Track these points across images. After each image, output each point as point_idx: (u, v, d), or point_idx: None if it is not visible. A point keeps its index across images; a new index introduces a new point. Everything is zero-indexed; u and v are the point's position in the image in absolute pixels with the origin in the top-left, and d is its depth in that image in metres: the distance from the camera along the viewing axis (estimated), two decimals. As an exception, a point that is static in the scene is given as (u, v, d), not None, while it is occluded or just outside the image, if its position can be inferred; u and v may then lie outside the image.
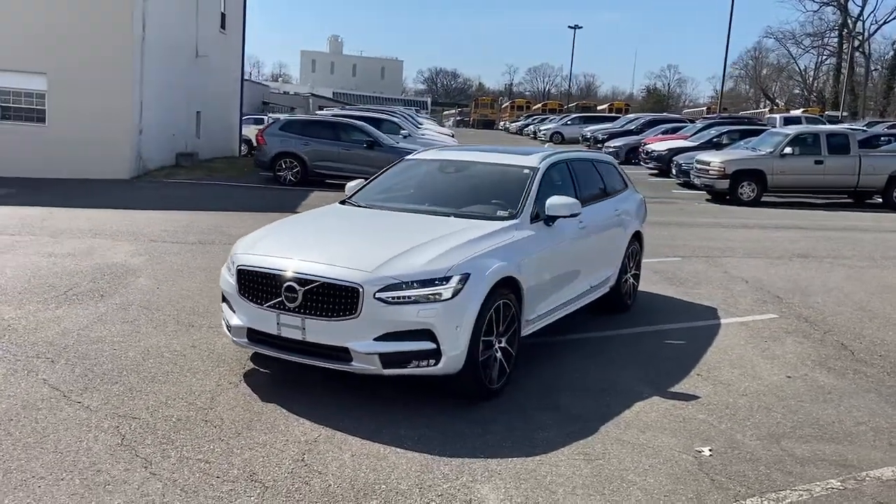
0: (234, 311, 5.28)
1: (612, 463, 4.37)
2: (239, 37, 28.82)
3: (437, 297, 4.80)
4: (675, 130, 29.46)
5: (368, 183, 7.00)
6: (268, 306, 4.98)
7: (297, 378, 5.39)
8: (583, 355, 6.42)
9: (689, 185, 21.65)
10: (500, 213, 5.98)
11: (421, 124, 33.29)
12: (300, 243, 5.35)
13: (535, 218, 6.01)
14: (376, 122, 23.82)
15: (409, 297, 4.75)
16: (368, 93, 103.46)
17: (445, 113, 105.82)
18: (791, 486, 4.19)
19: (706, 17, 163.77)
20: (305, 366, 5.08)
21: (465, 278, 4.90)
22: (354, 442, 4.43)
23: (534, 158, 6.64)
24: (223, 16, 26.68)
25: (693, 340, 7.04)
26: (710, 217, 16.38)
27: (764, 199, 19.19)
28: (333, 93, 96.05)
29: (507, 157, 6.80)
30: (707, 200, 19.51)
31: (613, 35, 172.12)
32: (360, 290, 4.72)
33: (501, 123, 74.78)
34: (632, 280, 8.05)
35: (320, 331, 4.83)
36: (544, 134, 47.47)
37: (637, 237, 8.10)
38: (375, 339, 4.76)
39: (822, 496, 4.10)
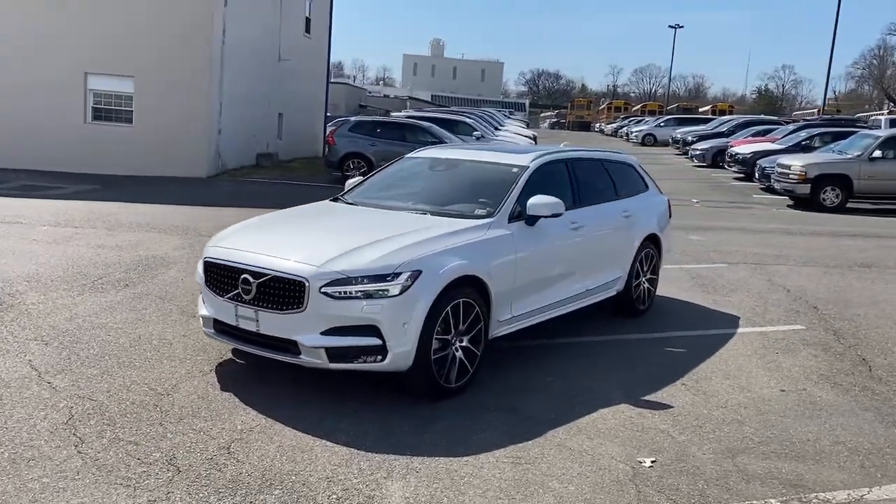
0: (203, 302, 5.47)
1: (539, 468, 4.26)
2: (324, 41, 29.63)
3: (384, 293, 4.81)
4: (767, 133, 28.20)
5: (365, 180, 7.08)
6: (228, 297, 5.13)
7: (265, 370, 5.51)
8: (568, 359, 6.27)
9: (771, 190, 20.70)
10: (478, 211, 5.93)
11: (502, 126, 33.22)
12: (265, 238, 5.48)
13: (515, 217, 5.92)
14: (449, 124, 24.00)
15: (355, 292, 4.79)
16: (467, 95, 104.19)
17: (543, 115, 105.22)
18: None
19: (824, 14, 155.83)
20: (276, 359, 5.18)
21: (415, 275, 4.89)
22: (288, 433, 4.51)
23: (526, 158, 6.54)
24: (308, 21, 27.48)
25: (696, 349, 6.75)
26: (779, 223, 15.61)
27: (850, 205, 18.11)
28: (432, 95, 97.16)
29: (500, 155, 6.73)
30: (789, 206, 18.58)
31: (725, 34, 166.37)
32: (307, 283, 4.79)
33: (597, 125, 73.65)
34: (646, 285, 7.79)
35: (272, 323, 4.94)
36: (636, 136, 46.45)
37: (653, 241, 7.84)
38: (322, 334, 4.82)
39: (752, 515, 3.87)
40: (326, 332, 4.81)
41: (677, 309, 8.27)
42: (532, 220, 5.99)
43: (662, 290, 8.85)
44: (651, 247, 7.82)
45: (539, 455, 4.43)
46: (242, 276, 5.02)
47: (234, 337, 5.22)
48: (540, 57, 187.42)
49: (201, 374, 5.44)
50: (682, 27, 67.38)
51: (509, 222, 5.88)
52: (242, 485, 3.84)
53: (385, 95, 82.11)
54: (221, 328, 5.27)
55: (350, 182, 7.15)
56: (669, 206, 8.50)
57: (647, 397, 5.49)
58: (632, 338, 7.03)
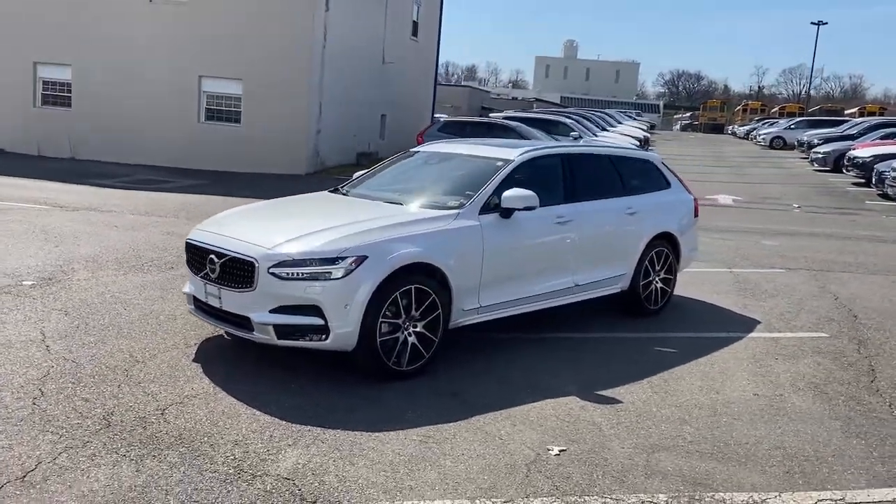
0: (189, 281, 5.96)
1: (442, 447, 4.40)
2: (432, 44, 30.28)
3: (327, 275, 5.09)
4: (897, 136, 26.20)
5: (368, 171, 7.37)
6: (200, 276, 5.58)
7: (244, 347, 5.88)
8: (548, 353, 6.30)
9: (887, 197, 19.33)
10: (451, 202, 6.08)
11: (613, 127, 32.67)
12: (241, 223, 5.89)
13: (489, 209, 6.03)
14: (547, 124, 23.96)
15: (300, 273, 5.10)
16: (599, 97, 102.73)
17: (676, 116, 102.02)
18: (606, 494, 3.97)
19: None
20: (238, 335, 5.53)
21: (360, 260, 5.14)
22: (226, 402, 4.87)
23: (514, 152, 6.62)
24: (415, 24, 28.20)
25: (690, 350, 6.59)
26: (876, 230, 14.59)
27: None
28: (561, 97, 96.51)
29: (492, 150, 6.84)
30: (905, 214, 17.28)
31: (890, 31, 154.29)
32: (256, 264, 5.15)
33: (731, 127, 70.55)
34: (658, 284, 7.64)
35: (231, 300, 5.34)
36: (763, 138, 44.25)
37: (668, 240, 7.68)
38: (271, 311, 5.16)
39: (629, 507, 3.85)
40: (274, 311, 5.15)
41: (698, 310, 8.04)
42: (507, 213, 6.07)
43: (695, 291, 8.66)
44: (665, 246, 7.66)
45: (451, 436, 4.56)
46: (209, 257, 5.45)
47: (206, 313, 5.66)
48: (680, 57, 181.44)
49: (185, 346, 5.92)
50: (825, 24, 63.23)
51: (482, 214, 5.99)
52: (155, 441, 4.23)
53: (513, 98, 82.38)
54: (198, 304, 5.73)
55: (357, 174, 7.47)
56: (696, 205, 8.27)
57: (602, 392, 5.46)
58: (628, 336, 6.94)
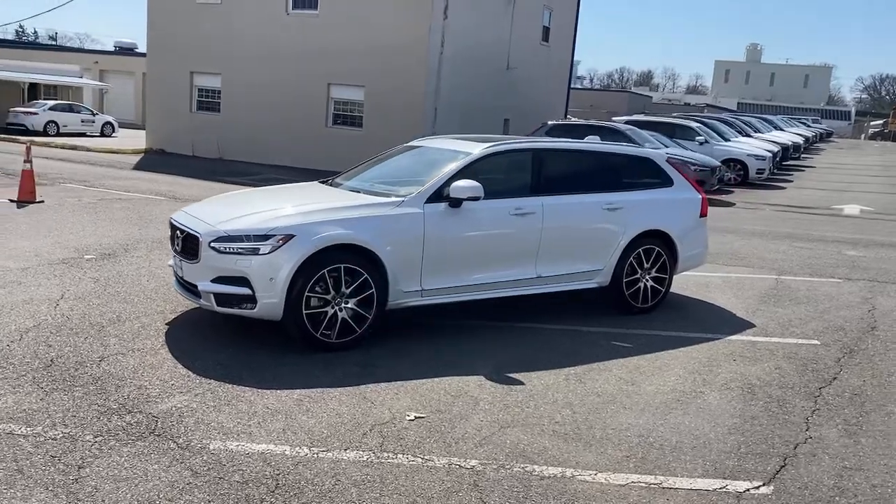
0: (175, 255, 6.81)
1: (301, 405, 4.85)
2: (566, 49, 30.30)
3: (255, 250, 5.71)
4: None
5: (365, 163, 7.92)
6: (172, 249, 6.41)
7: (224, 319, 6.56)
8: (490, 339, 6.55)
9: None
10: (402, 191, 6.50)
11: (759, 133, 31.02)
12: (215, 205, 6.65)
13: (437, 199, 6.39)
14: (672, 128, 23.39)
15: (233, 248, 5.76)
16: (784, 103, 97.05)
17: (871, 123, 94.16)
18: (420, 455, 4.26)
19: None
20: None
21: (287, 238, 5.71)
22: (160, 356, 5.60)
23: (478, 146, 6.92)
24: (546, 30, 28.40)
25: (645, 347, 6.58)
26: None
27: None
28: (738, 103, 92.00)
29: (462, 144, 7.15)
30: None
31: None
32: (200, 239, 5.87)
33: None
34: (649, 283, 7.60)
35: (188, 271, 6.10)
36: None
37: (661, 238, 7.60)
38: (212, 281, 5.86)
39: (428, 466, 4.12)
40: (215, 280, 5.84)
41: (696, 311, 7.90)
42: (455, 203, 6.40)
43: (710, 295, 8.53)
44: (657, 244, 7.59)
45: (328, 398, 5.01)
46: (176, 233, 6.26)
47: (177, 282, 6.47)
48: (885, 60, 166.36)
49: (171, 312, 6.76)
50: None
51: (429, 203, 6.36)
52: (74, 380, 5.02)
53: (686, 104, 79.67)
54: (176, 277, 6.56)
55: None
56: (704, 204, 8.09)
57: (512, 375, 5.66)
58: (591, 330, 7.01)
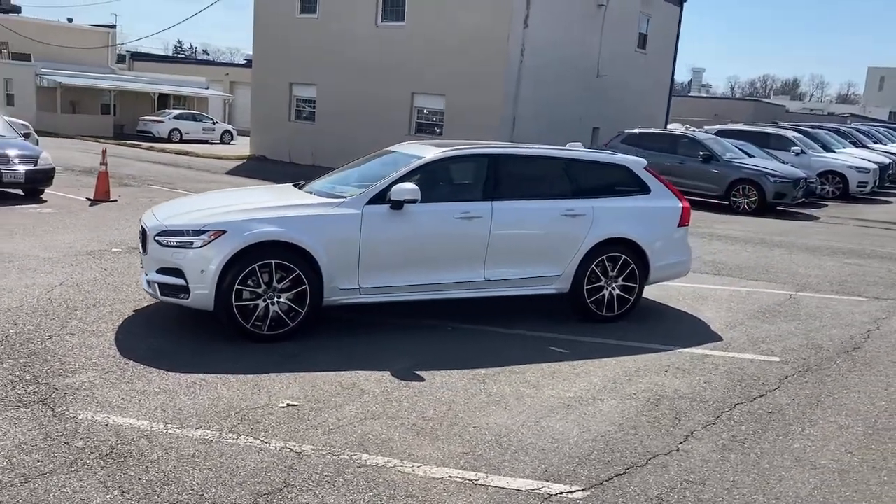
0: (151, 250, 7.41)
1: (192, 388, 5.22)
2: (666, 57, 29.51)
3: (190, 244, 6.18)
4: None
5: (339, 168, 8.26)
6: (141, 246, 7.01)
7: (186, 312, 7.05)
8: (424, 338, 6.71)
9: None
10: (348, 192, 6.80)
11: (876, 144, 28.95)
12: (177, 204, 7.17)
13: (379, 201, 6.64)
14: (767, 138, 22.40)
15: (172, 241, 6.25)
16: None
17: None
18: (266, 438, 4.53)
19: None
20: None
21: (219, 233, 6.15)
22: (105, 339, 6.15)
23: (431, 151, 7.11)
24: (643, 36, 27.81)
25: (582, 353, 6.54)
26: None
27: None
28: (890, 112, 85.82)
29: (421, 149, 7.35)
30: None
31: None
32: (148, 234, 6.41)
33: None
34: (616, 292, 7.50)
35: (145, 262, 6.66)
36: None
37: (628, 246, 7.48)
38: (156, 272, 6.38)
39: (260, 448, 4.38)
40: (158, 272, 6.36)
41: (667, 322, 7.72)
42: (397, 205, 6.63)
43: (706, 308, 8.30)
44: (624, 252, 7.48)
45: (222, 382, 5.35)
46: (140, 228, 6.85)
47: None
48: None
49: (147, 301, 7.36)
50: None
51: (371, 204, 6.62)
52: (10, 353, 5.64)
53: (829, 113, 75.23)
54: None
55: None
56: (685, 213, 7.87)
57: (419, 372, 5.81)
58: (537, 335, 7.01)
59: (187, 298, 6.24)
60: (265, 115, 26.82)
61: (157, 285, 6.36)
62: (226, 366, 5.71)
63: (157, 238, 6.33)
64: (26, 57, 36.07)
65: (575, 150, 7.90)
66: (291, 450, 4.41)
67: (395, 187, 6.59)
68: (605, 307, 7.51)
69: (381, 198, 6.65)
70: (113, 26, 43.24)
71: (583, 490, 4.14)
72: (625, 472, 4.37)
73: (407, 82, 23.28)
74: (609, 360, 6.41)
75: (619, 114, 26.75)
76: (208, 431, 4.57)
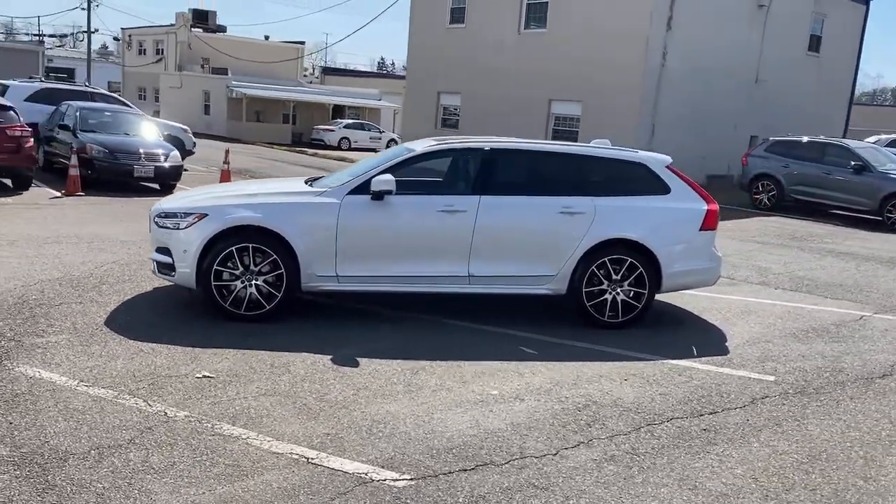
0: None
1: (137, 356, 5.61)
2: (845, 60, 26.92)
3: (177, 226, 6.66)
4: None
5: (355, 163, 8.45)
6: (159, 226, 7.62)
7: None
8: (399, 329, 6.72)
9: None
10: (333, 184, 6.99)
11: None
12: (194, 192, 7.71)
13: (362, 192, 6.76)
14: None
15: (165, 223, 6.75)
16: None
17: None
18: (157, 402, 4.80)
19: None
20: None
21: (201, 217, 6.57)
22: (102, 311, 6.78)
23: (423, 144, 7.13)
24: (816, 38, 25.60)
25: (552, 356, 6.26)
26: None
27: None
28: None
29: (421, 144, 7.36)
30: None
31: None
32: (151, 216, 6.98)
33: None
34: (619, 297, 7.07)
35: (150, 243, 7.25)
36: None
37: (636, 249, 7.02)
38: (155, 251, 6.93)
39: (143, 409, 4.65)
40: (156, 251, 6.90)
41: (674, 333, 7.19)
42: (377, 196, 6.73)
43: (738, 321, 7.68)
44: (630, 255, 7.03)
45: (164, 353, 5.70)
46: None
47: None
48: None
49: (147, 285, 7.95)
50: None
51: (353, 195, 6.76)
52: (18, 311, 6.38)
53: None
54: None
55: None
56: (710, 217, 7.26)
57: (361, 359, 5.84)
58: (516, 334, 6.78)
59: (174, 276, 6.70)
60: (415, 124, 27.72)
61: (155, 263, 6.89)
62: (186, 339, 6.05)
63: (155, 219, 6.86)
64: (223, 71, 39.88)
65: (584, 146, 7.54)
66: (165, 413, 4.63)
67: (374, 178, 6.67)
68: (608, 313, 7.08)
69: (363, 188, 6.75)
70: (302, 42, 46.76)
71: (409, 479, 4.00)
72: (473, 469, 4.16)
73: (545, 88, 23.10)
74: (571, 363, 6.06)
75: (782, 122, 24.74)
76: (108, 391, 4.91)
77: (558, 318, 7.36)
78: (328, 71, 56.15)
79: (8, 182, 13.73)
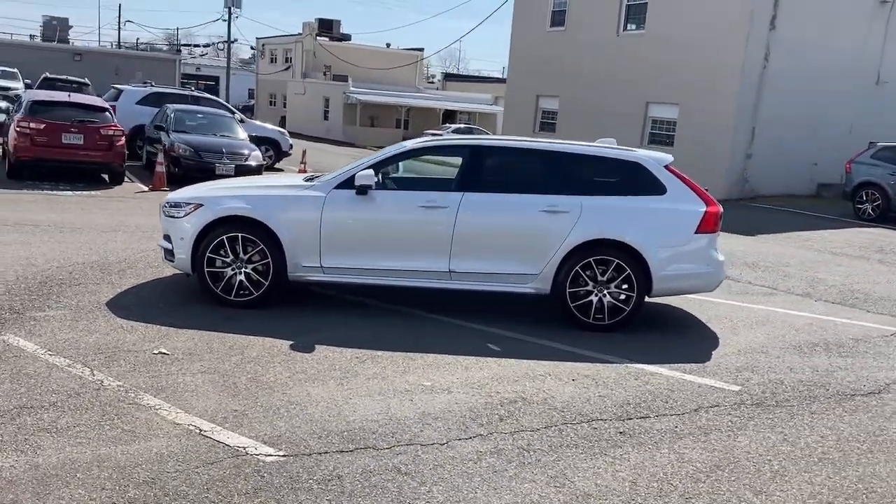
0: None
1: (111, 333, 6.08)
2: None
3: (175, 215, 7.14)
4: None
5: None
6: (178, 215, 8.15)
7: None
8: (373, 321, 6.87)
9: None
10: (326, 177, 7.25)
11: None
12: (204, 186, 8.13)
13: (347, 186, 6.99)
14: None
15: (169, 212, 7.25)
16: None
17: None
18: (105, 371, 5.22)
19: None
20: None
21: (196, 206, 7.01)
22: (108, 291, 7.37)
23: (415, 142, 7.26)
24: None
25: (516, 353, 6.23)
26: None
27: None
28: None
29: (419, 140, 7.49)
30: None
31: None
32: (160, 205, 7.51)
33: None
34: (606, 299, 6.91)
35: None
36: None
37: (623, 249, 6.84)
38: (163, 237, 7.45)
39: (82, 378, 5.06)
40: (163, 238, 7.42)
41: (662, 337, 6.94)
42: (361, 190, 6.93)
43: (745, 331, 7.37)
44: (617, 256, 6.85)
45: (136, 327, 6.16)
46: (168, 201, 8.00)
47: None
48: None
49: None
50: None
51: (339, 189, 7.00)
52: (39, 286, 7.05)
53: None
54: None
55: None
56: (708, 219, 6.96)
57: (319, 346, 6.04)
58: (489, 331, 6.79)
59: (173, 262, 7.18)
60: (514, 128, 27.71)
61: (162, 249, 7.41)
62: (168, 320, 6.47)
63: (163, 208, 7.37)
64: (344, 78, 41.45)
65: (577, 144, 7.40)
66: (101, 382, 5.01)
67: (357, 174, 6.87)
68: (594, 315, 6.92)
69: (348, 183, 6.97)
70: (421, 49, 47.82)
71: (280, 456, 4.15)
72: (351, 451, 4.26)
73: (642, 91, 22.50)
74: (527, 361, 6.00)
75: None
76: (65, 360, 5.36)
77: (545, 318, 7.26)
78: (449, 77, 57.04)
79: (105, 177, 15.00)
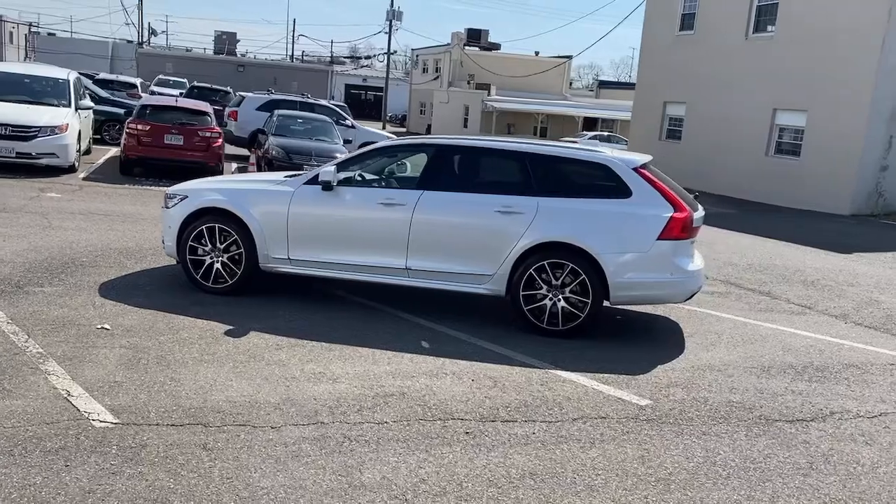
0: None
1: (88, 311, 6.71)
2: None
3: (168, 205, 7.71)
4: None
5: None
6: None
7: None
8: (331, 314, 7.06)
9: None
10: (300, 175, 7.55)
11: None
12: (201, 180, 8.62)
13: (314, 182, 7.25)
14: None
15: (167, 203, 7.83)
16: None
17: None
18: (52, 349, 5.79)
19: None
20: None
21: (182, 198, 7.56)
22: (116, 274, 8.07)
23: (388, 140, 7.39)
24: None
25: (431, 350, 6.20)
26: None
27: None
28: None
29: (401, 139, 7.60)
30: None
31: None
32: (163, 197, 8.14)
33: None
34: (560, 303, 6.68)
35: (166, 220, 8.39)
36: None
37: (580, 255, 6.59)
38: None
39: (26, 348, 5.63)
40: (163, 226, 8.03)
41: (619, 346, 6.56)
42: (326, 186, 7.17)
43: (721, 347, 6.86)
44: (572, 260, 6.60)
45: (105, 306, 6.74)
46: (174, 195, 8.60)
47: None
48: None
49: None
50: None
51: (308, 184, 7.28)
52: (58, 268, 7.87)
53: None
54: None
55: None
56: (674, 225, 6.54)
57: (259, 333, 6.33)
58: (438, 330, 6.76)
59: (165, 249, 7.76)
60: (640, 135, 26.82)
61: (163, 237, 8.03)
62: (138, 300, 6.99)
63: (165, 202, 7.98)
64: (486, 87, 41.95)
65: (543, 144, 7.17)
66: (25, 348, 5.55)
67: (322, 170, 7.11)
68: (548, 319, 6.70)
69: (315, 179, 7.22)
70: (569, 57, 47.23)
71: (114, 423, 4.43)
72: (180, 425, 4.46)
73: (769, 96, 21.04)
74: (441, 360, 5.94)
75: None
76: (14, 328, 5.97)
77: (505, 321, 7.09)
78: (602, 84, 56.01)
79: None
